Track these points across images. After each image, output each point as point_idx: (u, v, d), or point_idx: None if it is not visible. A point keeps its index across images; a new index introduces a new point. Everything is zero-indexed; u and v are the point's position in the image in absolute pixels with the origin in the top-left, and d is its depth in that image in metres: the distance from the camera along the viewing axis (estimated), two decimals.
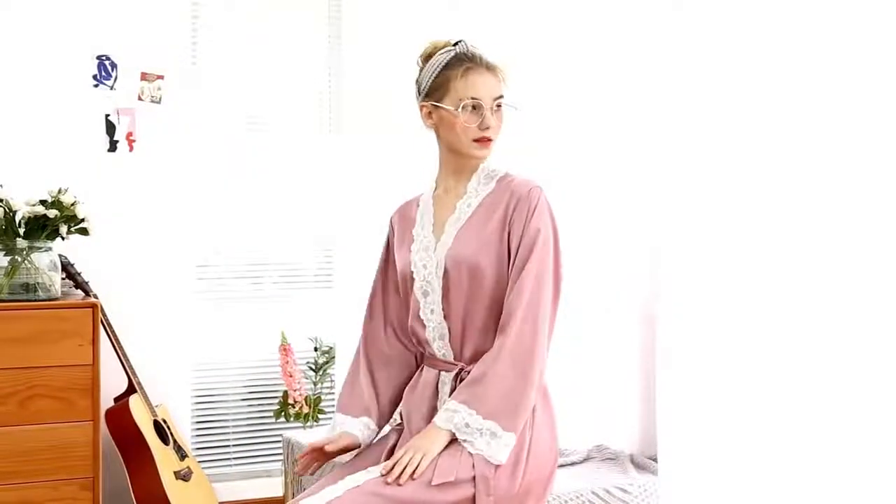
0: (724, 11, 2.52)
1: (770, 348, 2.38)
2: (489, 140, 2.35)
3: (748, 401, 2.43)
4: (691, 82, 2.62)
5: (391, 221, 2.56)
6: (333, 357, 4.19)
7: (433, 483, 2.15)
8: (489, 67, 2.37)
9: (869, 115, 2.24)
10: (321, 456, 2.40)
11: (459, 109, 2.33)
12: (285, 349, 4.14)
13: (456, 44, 2.39)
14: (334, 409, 4.08)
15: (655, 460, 3.08)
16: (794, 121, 2.37)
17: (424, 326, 2.39)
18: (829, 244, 2.30)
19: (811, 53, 2.33)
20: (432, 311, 2.37)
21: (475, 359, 2.32)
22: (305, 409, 4.11)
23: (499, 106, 2.36)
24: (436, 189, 2.48)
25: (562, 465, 3.04)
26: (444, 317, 2.35)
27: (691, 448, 2.55)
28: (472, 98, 2.33)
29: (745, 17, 2.47)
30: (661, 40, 2.95)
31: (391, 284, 2.51)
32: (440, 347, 2.37)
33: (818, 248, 2.32)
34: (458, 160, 2.41)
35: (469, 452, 2.20)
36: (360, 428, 2.42)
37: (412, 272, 2.39)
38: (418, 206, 2.50)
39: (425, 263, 2.38)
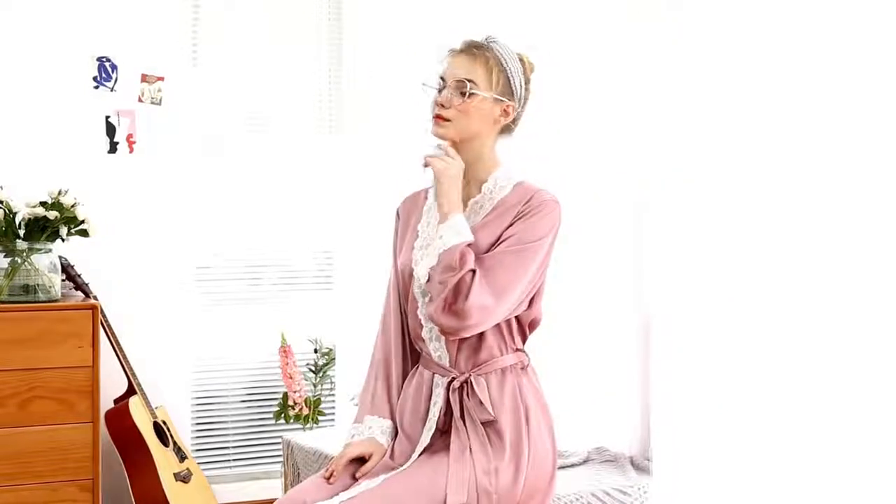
0: (721, 11, 2.52)
1: (765, 349, 2.39)
2: (440, 118, 2.31)
3: (743, 402, 2.43)
4: (689, 82, 2.62)
5: (398, 212, 2.52)
6: (333, 359, 4.19)
7: None
8: (466, 49, 2.34)
9: (868, 115, 2.24)
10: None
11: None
12: (285, 351, 4.14)
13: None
14: (333, 409, 4.15)
15: None
16: (790, 119, 2.37)
17: (422, 326, 2.37)
18: (824, 243, 2.30)
19: (806, 53, 2.33)
20: None
21: (469, 367, 2.32)
22: (305, 411, 4.12)
23: (463, 93, 2.30)
24: None
25: (561, 467, 3.03)
26: None
27: (686, 449, 2.55)
28: (440, 77, 2.35)
29: (743, 17, 2.47)
30: (658, 39, 2.96)
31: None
32: (436, 349, 2.35)
33: (813, 248, 2.32)
34: (467, 156, 2.35)
35: (472, 464, 2.20)
36: (388, 434, 2.39)
37: (412, 269, 2.35)
38: (426, 198, 2.46)
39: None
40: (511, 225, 2.28)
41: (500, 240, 2.27)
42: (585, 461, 3.15)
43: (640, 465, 3.08)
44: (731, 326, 2.46)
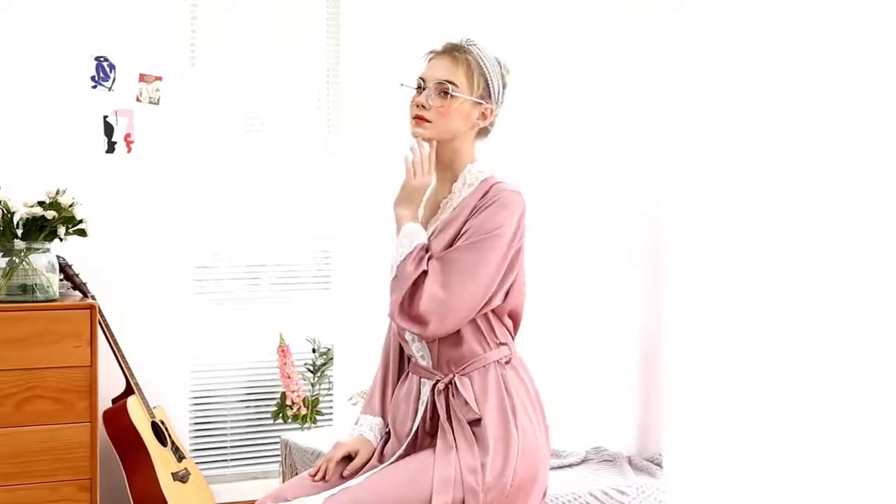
0: (724, 11, 2.52)
1: (779, 349, 2.38)
2: (422, 119, 2.33)
3: (755, 401, 2.43)
4: (689, 82, 2.62)
5: None
6: (331, 358, 4.19)
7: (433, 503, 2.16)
8: (447, 52, 2.37)
9: (868, 113, 2.25)
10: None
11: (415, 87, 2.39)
12: (283, 350, 4.14)
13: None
14: (331, 409, 4.15)
15: (653, 462, 3.08)
16: (790, 118, 2.37)
17: (405, 329, 2.38)
18: (837, 241, 2.30)
19: (811, 51, 2.33)
20: None
21: (452, 367, 2.32)
22: (303, 411, 4.12)
23: (444, 94, 2.32)
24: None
25: (559, 467, 3.03)
26: None
27: (697, 448, 2.55)
28: (420, 78, 2.37)
29: (744, 16, 2.47)
30: (658, 39, 2.96)
31: None
32: (419, 350, 2.37)
33: (821, 245, 2.32)
34: (444, 156, 2.37)
35: (458, 464, 2.21)
36: (376, 431, 2.42)
37: None
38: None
39: None
40: (468, 220, 2.30)
41: (458, 236, 2.29)
42: (583, 461, 3.15)
43: (638, 465, 3.08)
44: (740, 323, 2.46)
